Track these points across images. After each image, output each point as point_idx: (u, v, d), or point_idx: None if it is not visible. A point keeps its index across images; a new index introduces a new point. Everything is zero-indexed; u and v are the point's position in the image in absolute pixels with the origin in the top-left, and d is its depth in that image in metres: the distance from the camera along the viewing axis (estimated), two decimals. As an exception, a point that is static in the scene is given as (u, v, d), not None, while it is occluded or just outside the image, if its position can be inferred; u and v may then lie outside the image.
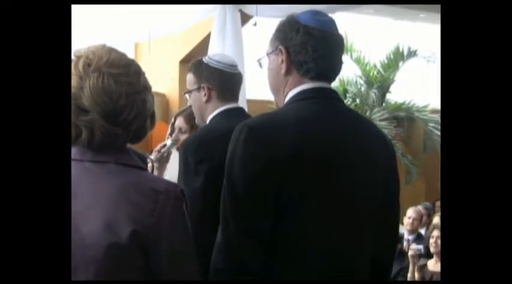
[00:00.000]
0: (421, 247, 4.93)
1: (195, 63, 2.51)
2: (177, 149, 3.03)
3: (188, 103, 2.64)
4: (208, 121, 2.45)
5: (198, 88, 2.45)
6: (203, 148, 2.24)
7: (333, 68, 1.80)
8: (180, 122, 3.01)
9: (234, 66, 2.48)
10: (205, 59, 2.47)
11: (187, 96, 2.57)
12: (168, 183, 1.49)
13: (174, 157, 3.16)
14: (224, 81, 2.43)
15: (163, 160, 3.06)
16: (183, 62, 7.09)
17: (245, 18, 5.41)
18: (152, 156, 3.04)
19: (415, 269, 4.81)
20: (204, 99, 2.44)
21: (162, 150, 3.02)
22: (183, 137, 2.95)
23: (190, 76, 2.51)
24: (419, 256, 4.85)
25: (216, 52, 4.61)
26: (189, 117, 2.90)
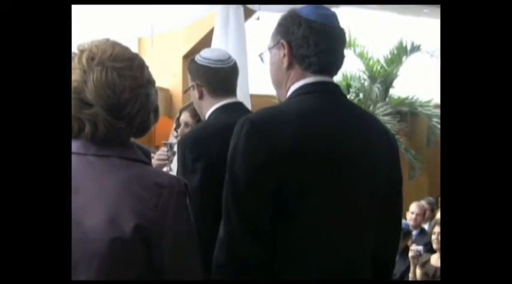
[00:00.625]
0: (420, 248, 4.92)
1: (189, 61, 2.55)
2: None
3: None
4: (206, 117, 2.46)
5: (192, 86, 2.48)
6: (201, 145, 2.25)
7: (334, 62, 1.80)
8: (185, 117, 3.02)
9: (222, 61, 2.48)
10: (196, 57, 2.49)
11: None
12: (172, 177, 1.50)
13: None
14: (211, 77, 2.44)
15: (170, 161, 3.08)
16: (186, 57, 7.06)
17: (248, 12, 5.41)
18: (165, 168, 3.05)
19: (417, 268, 4.80)
20: (197, 96, 2.46)
21: (169, 154, 3.05)
22: None
23: (188, 75, 2.54)
24: (419, 256, 4.85)
25: (219, 47, 4.62)
26: (195, 112, 2.92)
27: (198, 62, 2.47)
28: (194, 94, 2.48)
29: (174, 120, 3.19)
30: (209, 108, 2.45)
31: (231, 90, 2.49)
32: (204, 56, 2.48)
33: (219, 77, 2.45)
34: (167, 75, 6.90)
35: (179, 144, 2.39)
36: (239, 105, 2.48)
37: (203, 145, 2.25)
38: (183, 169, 2.28)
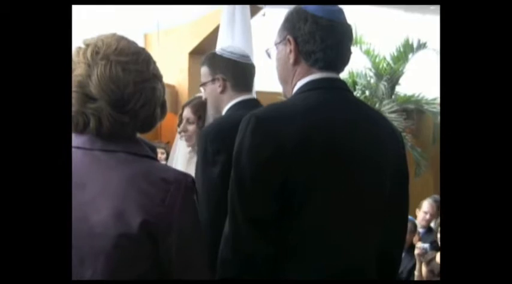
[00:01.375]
0: (426, 245, 4.90)
1: (209, 55, 2.55)
2: (186, 140, 3.04)
3: (203, 96, 2.66)
4: (224, 112, 2.47)
5: (213, 80, 2.48)
6: (223, 138, 2.25)
7: (341, 58, 1.79)
8: (187, 113, 3.02)
9: (247, 57, 2.52)
10: (218, 51, 2.52)
11: (202, 89, 2.60)
12: (179, 172, 1.49)
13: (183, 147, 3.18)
14: (238, 71, 2.47)
15: None
16: (193, 53, 7.08)
17: (254, 9, 5.40)
18: None
19: (422, 265, 4.79)
20: (219, 90, 2.47)
21: None
22: (191, 127, 2.97)
23: (204, 69, 2.54)
24: (425, 254, 4.83)
25: (226, 43, 4.62)
26: (196, 108, 2.93)
27: (224, 55, 2.49)
28: (214, 87, 2.49)
29: (178, 116, 3.20)
30: (228, 102, 2.46)
31: (250, 86, 2.53)
32: (230, 50, 2.51)
33: (244, 72, 2.49)
34: (173, 71, 6.91)
35: (201, 135, 2.39)
36: (256, 102, 2.50)
37: (225, 138, 2.25)
38: (203, 161, 2.27)
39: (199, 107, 2.96)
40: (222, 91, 2.47)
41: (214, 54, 2.52)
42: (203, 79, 2.55)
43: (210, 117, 2.92)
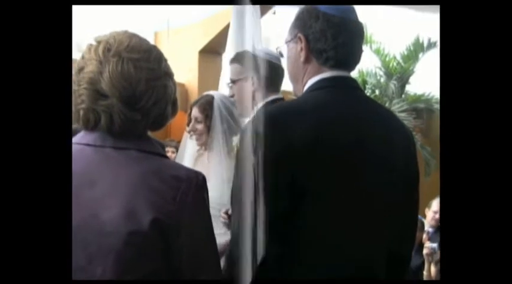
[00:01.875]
0: (435, 245, 4.87)
1: (242, 53, 2.56)
2: (197, 139, 3.05)
3: (230, 93, 2.67)
4: (255, 111, 2.48)
5: (246, 78, 2.49)
6: None
7: (352, 56, 1.78)
8: (195, 112, 3.03)
9: (279, 58, 2.54)
10: (254, 51, 2.52)
11: (229, 85, 2.60)
12: (190, 170, 1.48)
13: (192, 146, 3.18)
14: (271, 71, 2.51)
15: None
16: (202, 52, 7.08)
17: (264, 8, 5.39)
18: None
19: (431, 265, 4.77)
20: (252, 88, 2.47)
21: None
22: (200, 126, 2.98)
23: (236, 67, 2.56)
24: (433, 254, 4.80)
25: (236, 42, 4.63)
26: (203, 107, 2.95)
27: (261, 55, 2.50)
28: (247, 86, 2.51)
29: (187, 116, 3.21)
30: (260, 101, 2.47)
31: (280, 87, 2.57)
32: (264, 50, 2.52)
33: (276, 73, 2.54)
34: (183, 70, 6.91)
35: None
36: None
37: None
38: None
39: (206, 106, 2.97)
40: (255, 90, 2.48)
41: (248, 53, 2.54)
42: (234, 77, 2.56)
43: (217, 116, 2.93)
